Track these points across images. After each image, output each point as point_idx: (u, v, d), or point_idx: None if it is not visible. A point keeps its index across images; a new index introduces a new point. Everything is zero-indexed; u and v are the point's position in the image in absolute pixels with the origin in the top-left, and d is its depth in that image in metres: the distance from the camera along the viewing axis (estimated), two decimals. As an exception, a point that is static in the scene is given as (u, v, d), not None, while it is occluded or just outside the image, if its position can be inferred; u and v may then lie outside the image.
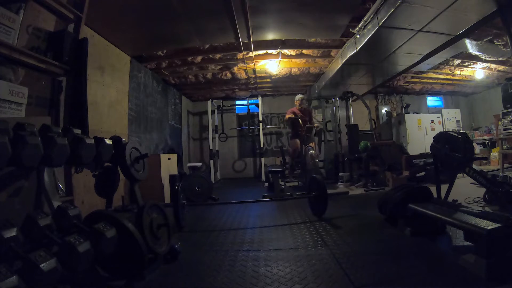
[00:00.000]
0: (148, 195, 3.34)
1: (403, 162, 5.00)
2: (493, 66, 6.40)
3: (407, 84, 7.89)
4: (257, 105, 7.79)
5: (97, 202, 2.93)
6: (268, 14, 3.73)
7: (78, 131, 1.74)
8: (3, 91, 2.16)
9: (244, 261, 1.95)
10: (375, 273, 1.65)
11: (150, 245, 1.72)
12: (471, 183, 3.46)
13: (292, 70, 6.24)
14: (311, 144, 5.14)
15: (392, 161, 5.15)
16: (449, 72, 6.83)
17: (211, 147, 7.46)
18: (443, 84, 7.92)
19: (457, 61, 6.13)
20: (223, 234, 2.66)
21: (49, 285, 1.11)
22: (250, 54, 5.09)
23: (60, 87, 2.78)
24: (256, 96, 7.89)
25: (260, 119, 7.59)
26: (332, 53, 5.31)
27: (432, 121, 8.27)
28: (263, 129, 7.87)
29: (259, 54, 5.30)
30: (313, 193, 3.12)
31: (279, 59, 5.34)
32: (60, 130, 1.61)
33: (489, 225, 1.55)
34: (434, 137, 2.48)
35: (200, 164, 6.69)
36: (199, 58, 5.40)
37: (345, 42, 4.64)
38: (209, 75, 6.39)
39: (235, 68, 6.06)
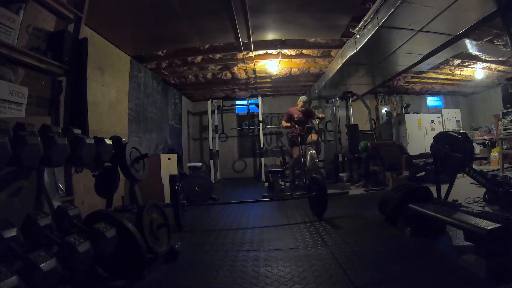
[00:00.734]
0: (148, 195, 3.34)
1: (403, 162, 4.99)
2: (493, 66, 6.40)
3: (407, 84, 7.89)
4: (257, 105, 7.79)
5: (97, 202, 2.93)
6: (268, 14, 3.73)
7: (78, 131, 1.74)
8: (3, 91, 2.16)
9: (244, 261, 1.95)
10: (375, 273, 1.65)
11: (150, 245, 1.72)
12: (471, 183, 3.47)
13: (292, 70, 6.24)
14: (313, 137, 5.12)
15: (392, 161, 5.15)
16: (449, 72, 6.83)
17: (211, 147, 7.46)
18: (443, 84, 7.92)
19: (457, 61, 6.13)
20: (223, 234, 2.66)
21: (49, 285, 1.11)
22: (250, 54, 5.09)
23: (60, 87, 2.78)
24: (256, 96, 7.89)
25: (260, 119, 7.60)
26: (332, 53, 5.31)
27: (432, 121, 8.27)
28: (263, 129, 7.87)
29: (259, 54, 5.30)
30: (313, 193, 3.12)
31: (279, 59, 5.34)
32: (60, 130, 1.61)
33: (489, 225, 1.55)
34: (434, 137, 2.48)
35: (200, 164, 6.68)
36: (199, 58, 5.40)
37: (345, 42, 4.65)
38: (209, 75, 6.39)
39: (235, 68, 6.06)
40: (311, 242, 2.27)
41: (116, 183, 2.07)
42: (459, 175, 2.43)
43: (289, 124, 5.23)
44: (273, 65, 5.70)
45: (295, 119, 5.25)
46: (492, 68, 6.56)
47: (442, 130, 4.98)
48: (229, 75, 6.35)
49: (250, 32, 4.18)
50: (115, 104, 4.16)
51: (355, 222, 2.81)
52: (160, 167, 4.17)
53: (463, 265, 1.63)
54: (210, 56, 5.28)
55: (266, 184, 6.29)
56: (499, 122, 5.43)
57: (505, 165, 5.28)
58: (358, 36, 4.08)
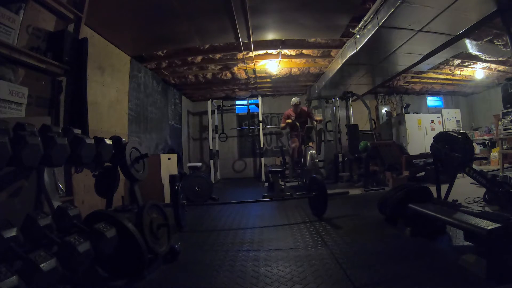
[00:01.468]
0: (148, 195, 3.34)
1: (403, 162, 5.00)
2: (493, 66, 6.40)
3: (407, 84, 7.89)
4: (257, 105, 7.79)
5: (97, 202, 2.93)
6: (268, 14, 3.73)
7: (78, 131, 1.74)
8: (3, 91, 2.16)
9: (244, 261, 1.95)
10: (375, 273, 1.65)
11: (150, 245, 1.72)
12: (471, 183, 3.46)
13: (292, 70, 6.24)
14: (310, 144, 5.13)
15: (392, 161, 5.15)
16: (449, 72, 6.83)
17: (211, 147, 7.46)
18: (443, 84, 7.93)
19: (457, 61, 6.13)
20: (223, 234, 2.66)
21: (49, 285, 1.11)
22: (250, 54, 5.09)
23: (60, 87, 2.78)
24: (256, 96, 7.89)
25: (260, 119, 7.60)
26: (332, 53, 5.31)
27: (432, 121, 8.28)
28: (263, 129, 7.88)
29: (259, 54, 5.30)
30: (313, 193, 3.12)
31: (279, 59, 5.34)
32: (60, 130, 1.61)
33: (489, 225, 1.55)
34: (434, 137, 2.48)
35: (200, 164, 6.68)
36: (199, 58, 5.40)
37: (345, 42, 4.65)
38: (209, 75, 6.39)
39: (235, 68, 6.07)
40: (311, 242, 2.27)
41: (116, 183, 2.07)
42: (459, 175, 2.42)
43: (290, 120, 5.30)
44: (273, 65, 5.70)
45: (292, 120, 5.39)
46: (492, 68, 6.56)
47: (442, 130, 4.98)
48: (229, 75, 6.35)
49: (250, 32, 4.18)
50: (115, 104, 4.16)
51: (355, 222, 2.81)
52: (160, 167, 4.17)
53: (463, 265, 1.63)
54: (210, 56, 5.28)
55: (266, 184, 6.29)
56: (499, 122, 5.43)
57: (505, 165, 5.28)
58: (358, 36, 4.08)
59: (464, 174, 2.38)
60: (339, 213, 3.19)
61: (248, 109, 7.95)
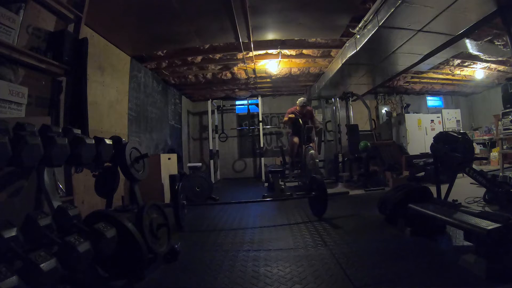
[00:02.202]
0: (148, 195, 3.34)
1: (403, 162, 4.99)
2: (493, 66, 6.40)
3: (407, 84, 7.89)
4: (257, 105, 7.79)
5: (97, 202, 2.93)
6: (268, 14, 3.73)
7: (78, 131, 1.74)
8: (3, 91, 2.16)
9: (244, 261, 1.95)
10: (375, 273, 1.65)
11: (150, 245, 1.72)
12: (471, 183, 3.46)
13: (292, 70, 6.24)
14: (311, 144, 5.11)
15: (392, 161, 5.15)
16: (449, 72, 6.83)
17: (211, 147, 7.46)
18: (443, 84, 7.92)
19: (457, 61, 6.13)
20: (223, 234, 2.66)
21: (49, 285, 1.11)
22: (250, 54, 5.09)
23: (60, 87, 2.78)
24: (256, 96, 7.89)
25: (260, 119, 7.60)
26: (332, 53, 5.31)
27: (432, 121, 8.27)
28: (263, 129, 7.88)
29: (259, 54, 5.30)
30: (313, 193, 3.12)
31: (279, 59, 5.34)
32: (60, 130, 1.61)
33: (489, 225, 1.55)
34: (434, 137, 2.48)
35: (200, 164, 6.68)
36: (199, 58, 5.40)
37: (345, 42, 4.64)
38: (209, 75, 6.39)
39: (235, 68, 6.06)
40: (311, 242, 2.27)
41: (116, 183, 2.07)
42: (459, 175, 2.43)
43: (293, 115, 5.24)
44: (273, 65, 5.70)
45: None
46: (492, 68, 6.56)
47: (442, 130, 4.98)
48: (229, 75, 6.35)
49: (250, 32, 4.18)
50: (115, 104, 4.16)
51: (355, 222, 2.81)
52: (160, 167, 4.17)
53: (463, 265, 1.63)
54: (210, 56, 5.28)
55: (266, 184, 6.29)
56: (499, 122, 5.43)
57: (505, 165, 5.28)
58: (358, 36, 4.08)
59: (464, 174, 2.38)
60: (339, 213, 3.19)
61: (248, 109, 7.95)
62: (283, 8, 3.59)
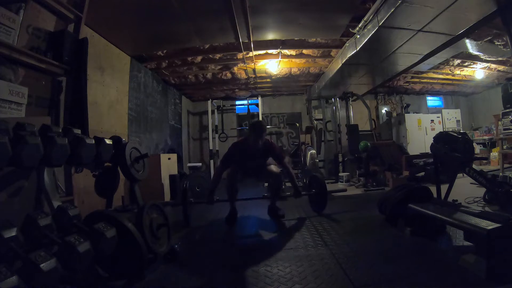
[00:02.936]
0: (148, 195, 3.34)
1: (403, 162, 4.99)
2: (493, 66, 6.40)
3: (407, 84, 7.89)
4: (257, 105, 7.80)
5: (97, 202, 2.93)
6: (268, 14, 3.73)
7: (78, 131, 1.74)
8: (3, 91, 2.16)
9: (244, 260, 1.94)
10: (375, 273, 1.65)
11: (150, 245, 1.71)
12: (471, 183, 3.46)
13: (292, 70, 6.24)
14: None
15: (392, 161, 5.15)
16: (449, 72, 6.83)
17: (211, 147, 7.46)
18: (443, 84, 7.93)
19: (457, 61, 6.13)
20: (223, 234, 2.66)
21: (49, 285, 1.11)
22: (250, 54, 5.09)
23: (60, 87, 2.78)
24: (256, 96, 7.89)
25: (260, 119, 7.59)
26: (332, 53, 5.31)
27: (432, 121, 8.27)
28: (263, 129, 7.86)
29: (259, 54, 5.30)
30: (313, 190, 3.15)
31: (279, 59, 5.34)
32: (60, 130, 1.61)
33: (489, 225, 1.55)
34: (434, 137, 2.48)
35: (200, 164, 6.68)
36: (199, 58, 5.40)
37: (345, 42, 4.65)
38: (209, 75, 6.39)
39: (235, 68, 6.07)
40: (311, 242, 2.27)
41: (116, 183, 2.07)
42: (459, 175, 2.42)
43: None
44: (273, 65, 5.70)
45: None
46: (492, 68, 6.56)
47: (442, 130, 4.98)
48: (229, 75, 6.35)
49: (250, 32, 4.18)
50: (115, 104, 4.16)
51: (355, 222, 2.81)
52: (160, 167, 4.17)
53: (463, 265, 1.63)
54: (210, 56, 5.28)
55: (266, 184, 6.28)
56: (499, 122, 5.43)
57: (505, 165, 5.28)
58: (358, 36, 4.08)
59: (464, 174, 2.38)
60: (339, 213, 3.19)
61: (248, 109, 7.95)
62: (283, 8, 3.59)
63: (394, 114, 8.69)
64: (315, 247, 2.14)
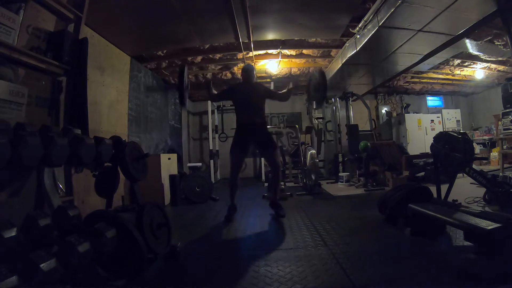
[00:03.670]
0: (148, 195, 3.35)
1: (403, 162, 5.00)
2: (493, 66, 6.40)
3: (407, 84, 7.89)
4: (257, 105, 7.77)
5: (97, 202, 2.92)
6: (268, 14, 3.73)
7: (78, 131, 1.74)
8: (3, 91, 2.15)
9: (244, 261, 1.95)
10: (375, 273, 1.65)
11: (150, 245, 1.72)
12: (471, 183, 3.47)
13: (292, 70, 6.24)
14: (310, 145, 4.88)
15: (392, 161, 5.15)
16: (449, 72, 6.83)
17: (211, 147, 7.46)
18: (443, 84, 7.92)
19: (457, 61, 6.13)
20: (223, 234, 2.66)
21: (49, 285, 1.11)
22: (250, 54, 5.09)
23: (60, 87, 2.77)
24: (256, 96, 7.87)
25: (260, 119, 7.58)
26: (332, 53, 5.31)
27: (432, 121, 8.28)
28: (263, 129, 7.85)
29: (259, 54, 5.30)
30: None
31: (279, 59, 5.35)
32: (60, 130, 1.61)
33: (489, 225, 1.55)
34: (434, 137, 2.48)
35: (200, 164, 6.68)
36: (199, 58, 5.40)
37: (345, 42, 4.65)
38: (209, 75, 6.39)
39: (235, 68, 6.07)
40: (311, 242, 2.27)
41: (116, 183, 2.07)
42: (459, 175, 2.43)
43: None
44: (273, 65, 5.70)
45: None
46: (492, 68, 6.56)
47: (442, 130, 4.98)
48: (229, 75, 6.35)
49: (250, 32, 4.18)
50: (115, 104, 4.16)
51: (355, 222, 2.81)
52: (160, 167, 4.17)
53: (463, 265, 1.63)
54: (210, 56, 5.28)
55: (266, 184, 6.29)
56: (499, 122, 5.44)
57: (505, 165, 5.29)
58: (358, 36, 4.08)
59: (464, 174, 2.38)
60: (339, 213, 3.19)
61: (248, 109, 7.93)
62: (283, 8, 3.59)
63: (394, 114, 8.69)
64: (315, 247, 2.14)
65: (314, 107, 3.09)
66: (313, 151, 4.94)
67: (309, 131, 7.74)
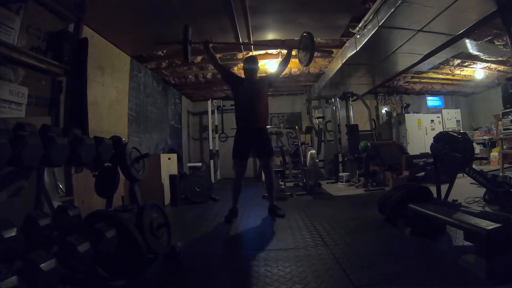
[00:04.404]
0: (148, 195, 3.34)
1: (403, 162, 5.00)
2: (493, 66, 6.40)
3: (407, 84, 7.89)
4: (257, 105, 7.77)
5: (97, 202, 2.93)
6: (268, 14, 3.73)
7: (78, 131, 1.74)
8: (3, 91, 2.16)
9: (244, 261, 1.95)
10: (375, 273, 1.65)
11: (150, 245, 1.72)
12: (471, 183, 3.47)
13: (292, 70, 6.24)
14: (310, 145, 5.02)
15: (392, 161, 5.15)
16: (449, 72, 6.83)
17: (211, 147, 7.46)
18: (443, 84, 7.92)
19: (457, 61, 6.13)
20: (223, 234, 2.66)
21: (49, 285, 1.11)
22: (250, 54, 5.09)
23: (60, 87, 2.78)
24: (256, 96, 7.87)
25: (260, 118, 7.58)
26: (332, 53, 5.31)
27: (432, 121, 8.27)
28: (263, 129, 7.86)
29: (259, 54, 5.30)
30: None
31: (279, 59, 5.34)
32: (60, 130, 1.61)
33: (489, 225, 1.55)
34: (434, 137, 2.48)
35: (200, 164, 6.68)
36: (199, 58, 5.40)
37: (345, 42, 4.64)
38: (209, 75, 6.39)
39: (235, 68, 6.06)
40: (311, 242, 2.27)
41: (116, 183, 2.07)
42: (459, 175, 2.43)
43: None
44: (273, 65, 5.70)
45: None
46: (492, 68, 6.56)
47: (442, 130, 4.98)
48: (229, 75, 6.35)
49: (250, 32, 4.18)
50: (115, 104, 4.16)
51: (355, 222, 2.81)
52: (160, 167, 4.17)
53: (463, 265, 1.63)
54: (210, 56, 5.27)
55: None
56: (499, 122, 5.43)
57: (505, 165, 5.29)
58: (358, 36, 4.08)
59: (464, 174, 2.38)
60: (339, 213, 3.19)
61: (248, 109, 7.93)
62: (283, 8, 3.59)
63: (394, 114, 8.69)
64: (315, 247, 2.14)
65: (304, 64, 3.05)
66: (313, 151, 4.93)
67: (309, 131, 7.74)
